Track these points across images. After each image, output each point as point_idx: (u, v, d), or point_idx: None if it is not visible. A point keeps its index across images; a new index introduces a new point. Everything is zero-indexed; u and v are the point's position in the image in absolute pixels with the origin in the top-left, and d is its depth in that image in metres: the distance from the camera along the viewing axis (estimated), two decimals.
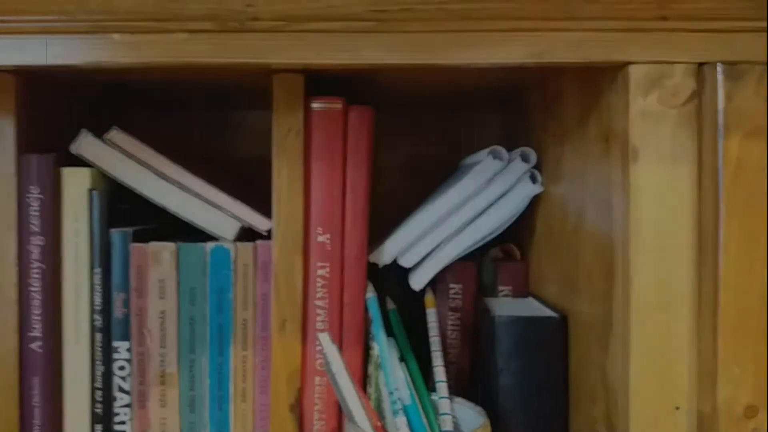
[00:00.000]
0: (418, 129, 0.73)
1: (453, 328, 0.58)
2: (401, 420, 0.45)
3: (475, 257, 0.58)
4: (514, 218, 0.54)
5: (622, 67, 0.38)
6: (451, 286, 0.58)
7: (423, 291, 0.55)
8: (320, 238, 0.49)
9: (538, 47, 0.37)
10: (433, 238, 0.53)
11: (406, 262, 0.53)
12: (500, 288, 0.58)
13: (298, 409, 0.48)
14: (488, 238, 0.54)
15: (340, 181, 0.49)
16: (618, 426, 0.38)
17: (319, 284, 0.49)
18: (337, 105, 0.49)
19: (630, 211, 0.37)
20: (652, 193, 0.37)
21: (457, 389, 0.57)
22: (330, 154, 0.49)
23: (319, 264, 0.49)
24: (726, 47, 0.37)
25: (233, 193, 0.53)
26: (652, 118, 0.37)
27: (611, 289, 0.40)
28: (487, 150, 0.54)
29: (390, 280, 0.60)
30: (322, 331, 0.49)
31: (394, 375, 0.47)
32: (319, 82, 0.50)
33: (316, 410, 0.49)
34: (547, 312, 0.49)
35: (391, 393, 0.46)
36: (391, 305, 0.54)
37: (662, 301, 0.37)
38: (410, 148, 0.73)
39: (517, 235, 0.61)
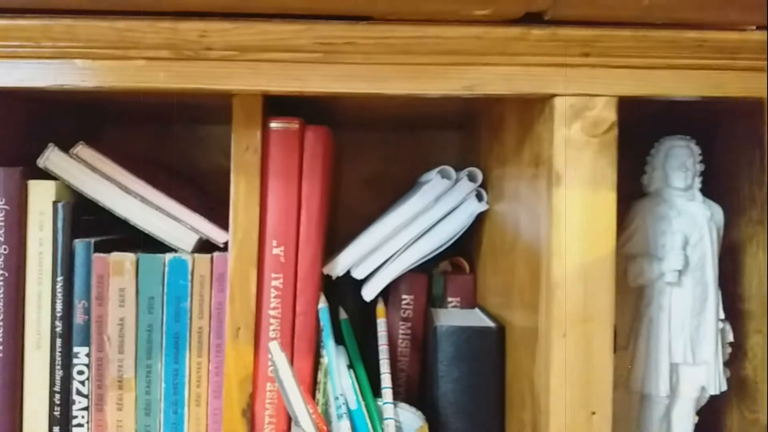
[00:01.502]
0: (380, 147, 0.76)
1: (404, 337, 0.61)
2: (344, 424, 0.48)
3: (426, 270, 0.61)
4: (461, 234, 0.57)
5: (548, 99, 0.41)
6: (403, 297, 0.61)
7: (375, 302, 0.58)
8: (275, 251, 0.52)
9: (470, 80, 0.40)
10: (384, 251, 0.56)
11: (358, 274, 0.56)
12: (449, 299, 0.61)
13: (250, 414, 0.51)
14: (436, 252, 0.57)
15: (295, 197, 0.52)
16: (540, 431, 0.41)
17: (272, 294, 0.52)
18: (294, 125, 0.52)
19: (552, 231, 0.40)
20: (574, 214, 0.40)
21: (406, 396, 0.60)
22: (286, 171, 0.52)
23: (273, 275, 0.52)
24: (642, 82, 0.41)
25: (197, 207, 0.55)
26: (574, 146, 0.40)
27: (538, 302, 0.43)
28: (436, 169, 0.57)
29: (346, 291, 0.62)
30: (274, 339, 0.52)
31: (339, 381, 0.50)
32: (283, 102, 0.52)
33: (267, 414, 0.51)
34: (487, 323, 0.52)
35: (336, 398, 0.49)
36: (343, 315, 0.57)
37: (582, 315, 0.40)
38: (372, 165, 0.76)
39: (467, 249, 0.64)
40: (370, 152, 0.76)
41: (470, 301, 0.62)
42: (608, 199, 0.40)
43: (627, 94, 0.41)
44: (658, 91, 0.41)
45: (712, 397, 0.69)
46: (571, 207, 0.40)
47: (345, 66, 0.40)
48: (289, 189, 0.52)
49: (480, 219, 0.58)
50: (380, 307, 0.57)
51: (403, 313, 0.61)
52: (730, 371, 0.67)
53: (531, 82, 0.40)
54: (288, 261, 0.52)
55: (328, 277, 0.57)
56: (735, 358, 0.65)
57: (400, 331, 0.61)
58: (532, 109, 0.44)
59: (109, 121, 0.73)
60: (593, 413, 0.41)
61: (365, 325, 0.60)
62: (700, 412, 0.72)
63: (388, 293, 0.61)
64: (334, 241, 0.63)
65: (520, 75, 0.40)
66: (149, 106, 0.61)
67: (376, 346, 0.56)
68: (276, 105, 0.51)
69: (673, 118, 0.64)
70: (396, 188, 0.75)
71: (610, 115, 0.40)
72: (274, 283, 0.52)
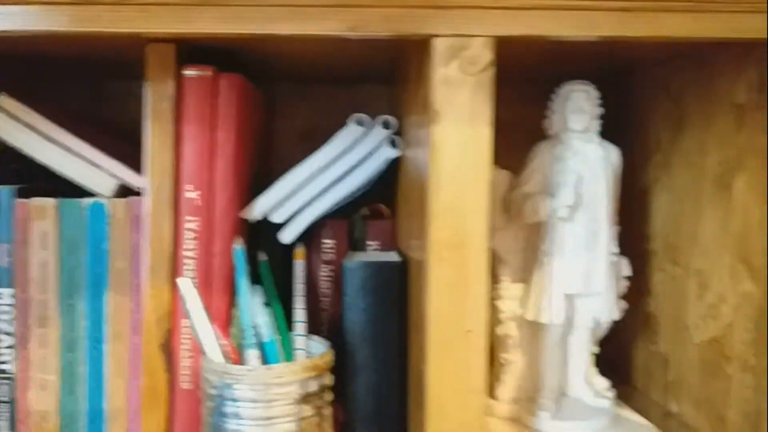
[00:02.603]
0: (314, 101, 0.79)
1: (326, 279, 0.64)
2: (252, 353, 0.51)
3: (347, 216, 0.64)
4: (375, 179, 0.60)
5: (427, 39, 0.43)
6: (325, 241, 0.64)
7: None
8: (190, 195, 0.54)
9: (353, 21, 0.42)
10: (302, 196, 0.59)
11: (276, 218, 0.59)
12: (369, 243, 0.64)
13: (168, 348, 0.54)
14: (353, 197, 0.60)
15: (209, 143, 0.54)
16: (423, 349, 0.45)
17: (188, 236, 0.54)
18: (208, 72, 0.54)
19: (431, 165, 0.43)
20: (451, 150, 0.43)
21: (328, 332, 0.63)
22: (200, 117, 0.54)
23: (189, 218, 0.54)
24: (517, 23, 0.43)
25: (120, 155, 0.57)
26: (452, 85, 0.43)
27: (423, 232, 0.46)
28: (352, 117, 0.59)
29: (274, 237, 0.65)
30: (192, 279, 0.54)
31: (249, 315, 0.52)
32: (212, 57, 0.54)
33: (184, 349, 0.54)
34: (393, 259, 0.55)
35: (245, 330, 0.52)
36: (263, 257, 0.60)
37: (457, 241, 0.43)
38: (307, 118, 0.79)
39: (388, 195, 0.67)
40: (305, 106, 0.78)
41: (390, 245, 0.64)
42: (484, 135, 0.43)
43: (503, 34, 0.43)
44: (533, 31, 0.43)
45: (620, 331, 0.73)
46: (449, 142, 0.43)
47: (232, 8, 0.42)
48: (203, 135, 0.54)
49: (398, 166, 0.61)
50: (299, 250, 0.60)
51: (325, 256, 0.64)
52: (629, 304, 0.71)
53: (411, 23, 0.43)
54: (204, 205, 0.54)
55: (260, 223, 0.59)
56: (640, 295, 0.69)
57: (323, 274, 0.64)
58: (421, 52, 0.46)
59: (44, 79, 0.74)
60: (469, 331, 0.44)
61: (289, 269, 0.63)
62: (606, 344, 0.77)
63: (311, 238, 0.64)
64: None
65: (400, 16, 0.43)
66: (82, 63, 0.62)
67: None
68: (206, 61, 0.53)
69: (591, 67, 0.67)
70: (328, 139, 0.77)
71: (487, 55, 0.43)
72: (190, 225, 0.54)
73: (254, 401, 0.47)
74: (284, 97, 0.78)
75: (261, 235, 0.63)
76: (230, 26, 0.42)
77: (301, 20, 0.42)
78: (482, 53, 0.43)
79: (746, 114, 0.52)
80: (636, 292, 0.69)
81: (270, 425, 0.48)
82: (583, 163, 0.54)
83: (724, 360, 0.55)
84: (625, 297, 0.70)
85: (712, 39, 0.45)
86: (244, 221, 0.59)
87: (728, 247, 0.55)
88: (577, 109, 0.54)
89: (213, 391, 0.49)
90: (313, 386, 0.49)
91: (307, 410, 0.49)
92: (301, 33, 0.43)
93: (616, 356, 0.74)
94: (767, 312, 0.49)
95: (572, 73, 0.61)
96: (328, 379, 0.51)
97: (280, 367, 0.48)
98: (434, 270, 0.43)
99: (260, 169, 0.68)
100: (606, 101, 0.77)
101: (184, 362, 0.54)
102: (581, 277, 0.54)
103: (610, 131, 0.75)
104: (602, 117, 0.73)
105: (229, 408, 0.48)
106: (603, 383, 0.59)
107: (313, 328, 0.62)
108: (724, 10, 0.45)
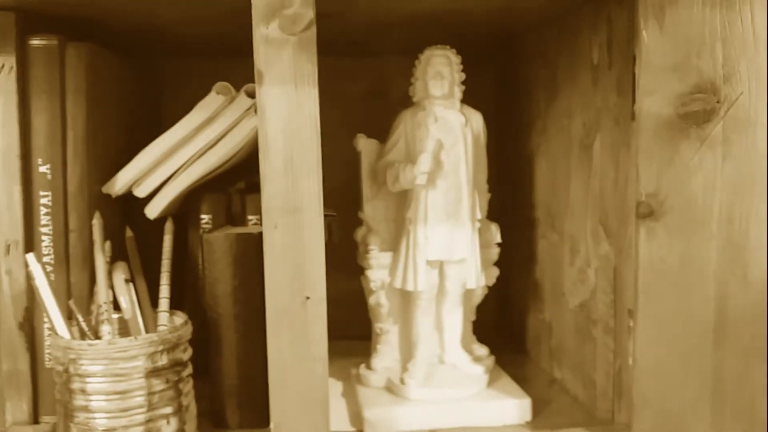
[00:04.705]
0: (206, 75, 0.77)
1: None
2: (105, 328, 0.50)
3: (224, 189, 0.63)
4: (243, 150, 0.58)
5: None
6: (202, 216, 0.63)
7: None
8: (41, 169, 0.52)
9: None
10: (165, 169, 0.57)
11: (139, 192, 0.57)
12: (249, 217, 0.63)
13: (28, 327, 0.52)
14: (221, 169, 0.59)
15: (59, 115, 0.53)
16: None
17: (42, 212, 0.53)
18: (54, 41, 0.52)
19: (260, 129, 0.42)
20: (279, 112, 0.42)
21: None
22: (49, 88, 0.52)
23: (42, 193, 0.53)
24: None
25: None
26: (274, 44, 0.42)
27: None
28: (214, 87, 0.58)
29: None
30: (48, 255, 0.53)
31: (105, 291, 0.51)
32: (93, 30, 0.52)
33: (46, 327, 0.53)
34: (256, 231, 0.54)
35: (100, 306, 0.51)
36: (129, 233, 0.58)
37: (290, 207, 0.42)
38: (199, 93, 0.77)
39: None
40: (195, 82, 0.76)
41: None
42: (310, 95, 0.42)
43: None
44: None
45: (515, 299, 0.73)
46: (275, 104, 0.42)
47: None
48: (52, 107, 0.52)
49: None
50: (167, 225, 0.59)
51: (203, 231, 0.63)
52: (521, 273, 0.71)
53: None
54: (56, 179, 0.53)
55: (137, 200, 0.58)
56: (528, 263, 0.69)
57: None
58: None
59: None
60: (308, 298, 0.43)
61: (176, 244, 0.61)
62: (503, 313, 0.77)
63: (188, 213, 0.63)
64: None
65: None
66: None
67: (178, 262, 0.57)
68: (88, 33, 0.51)
69: (481, 37, 0.66)
70: None
71: (308, 13, 0.42)
72: (42, 200, 0.53)
73: (99, 376, 0.46)
74: (174, 73, 0.77)
75: (137, 211, 0.62)
76: None
77: None
78: (303, 12, 0.42)
79: (600, 74, 0.51)
80: (525, 261, 0.69)
81: (117, 400, 0.47)
82: (443, 130, 0.53)
83: (591, 324, 0.55)
84: (515, 265, 0.71)
85: None
86: (119, 197, 0.58)
87: (590, 209, 0.54)
88: (436, 74, 0.53)
89: (60, 368, 0.48)
90: (164, 360, 0.48)
91: (158, 384, 0.48)
92: None
93: (513, 325, 0.74)
94: (631, 274, 0.48)
95: (460, 44, 0.60)
96: (185, 353, 0.50)
97: (123, 342, 0.47)
98: (269, 237, 0.42)
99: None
100: (498, 71, 0.77)
101: (48, 340, 0.53)
102: (445, 244, 0.53)
103: (502, 101, 0.75)
104: (495, 87, 0.72)
105: (76, 384, 0.47)
106: (481, 350, 0.59)
107: (195, 304, 0.61)
108: None
